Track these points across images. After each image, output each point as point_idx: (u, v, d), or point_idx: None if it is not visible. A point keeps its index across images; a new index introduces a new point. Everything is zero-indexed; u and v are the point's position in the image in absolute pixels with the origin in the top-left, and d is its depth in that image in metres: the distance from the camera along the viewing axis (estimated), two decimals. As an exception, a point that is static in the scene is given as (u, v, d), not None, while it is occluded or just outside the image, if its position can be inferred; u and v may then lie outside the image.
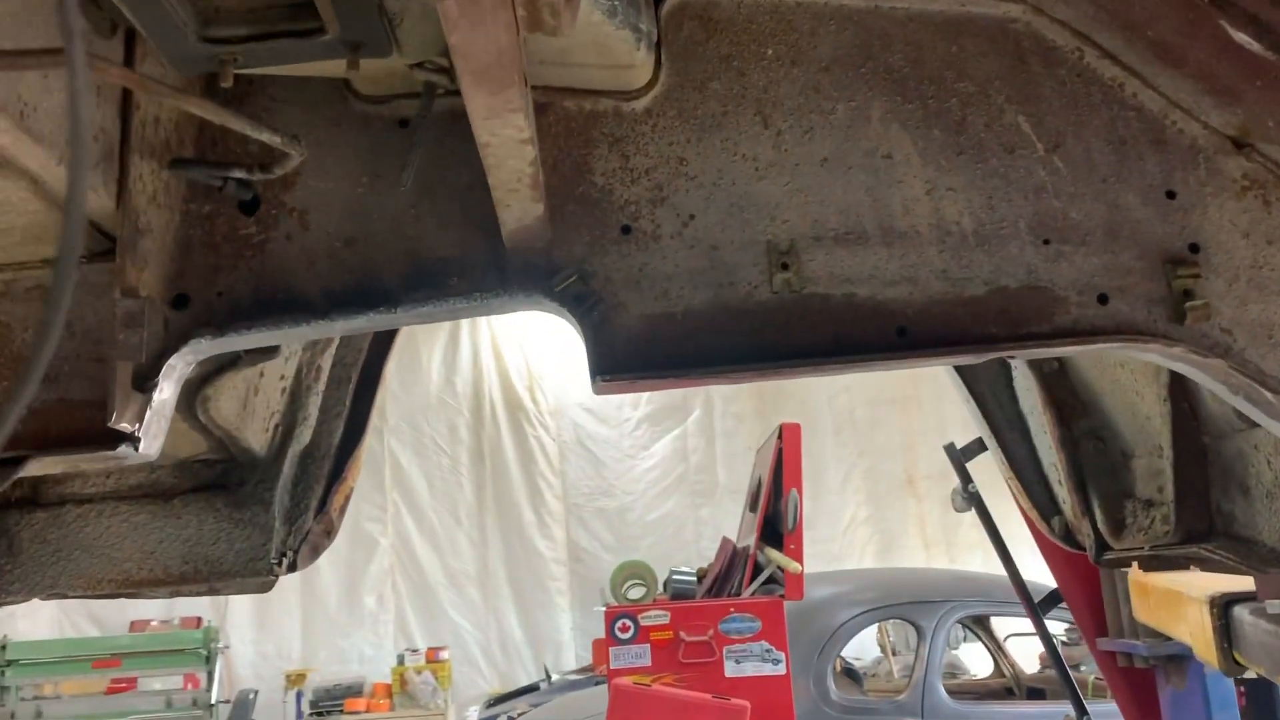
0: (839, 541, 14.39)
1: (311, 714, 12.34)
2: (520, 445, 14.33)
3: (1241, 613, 2.78)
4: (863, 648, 10.81)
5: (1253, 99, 1.66)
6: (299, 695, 12.41)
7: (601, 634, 6.70)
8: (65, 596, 2.52)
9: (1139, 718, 4.41)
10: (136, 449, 1.64)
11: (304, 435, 2.60)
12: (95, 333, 1.67)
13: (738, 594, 6.46)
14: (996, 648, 8.68)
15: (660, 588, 6.93)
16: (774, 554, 6.32)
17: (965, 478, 5.26)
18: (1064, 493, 2.98)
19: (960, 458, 5.19)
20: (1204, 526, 2.50)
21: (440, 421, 14.25)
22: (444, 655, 12.92)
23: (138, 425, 1.63)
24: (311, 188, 1.74)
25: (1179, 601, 3.25)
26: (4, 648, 11.09)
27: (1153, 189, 1.79)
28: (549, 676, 11.83)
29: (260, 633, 13.28)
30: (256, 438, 2.47)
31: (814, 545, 10.08)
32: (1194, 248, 1.77)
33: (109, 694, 11.28)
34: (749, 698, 5.81)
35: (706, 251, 1.78)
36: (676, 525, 14.29)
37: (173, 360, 1.67)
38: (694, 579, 6.99)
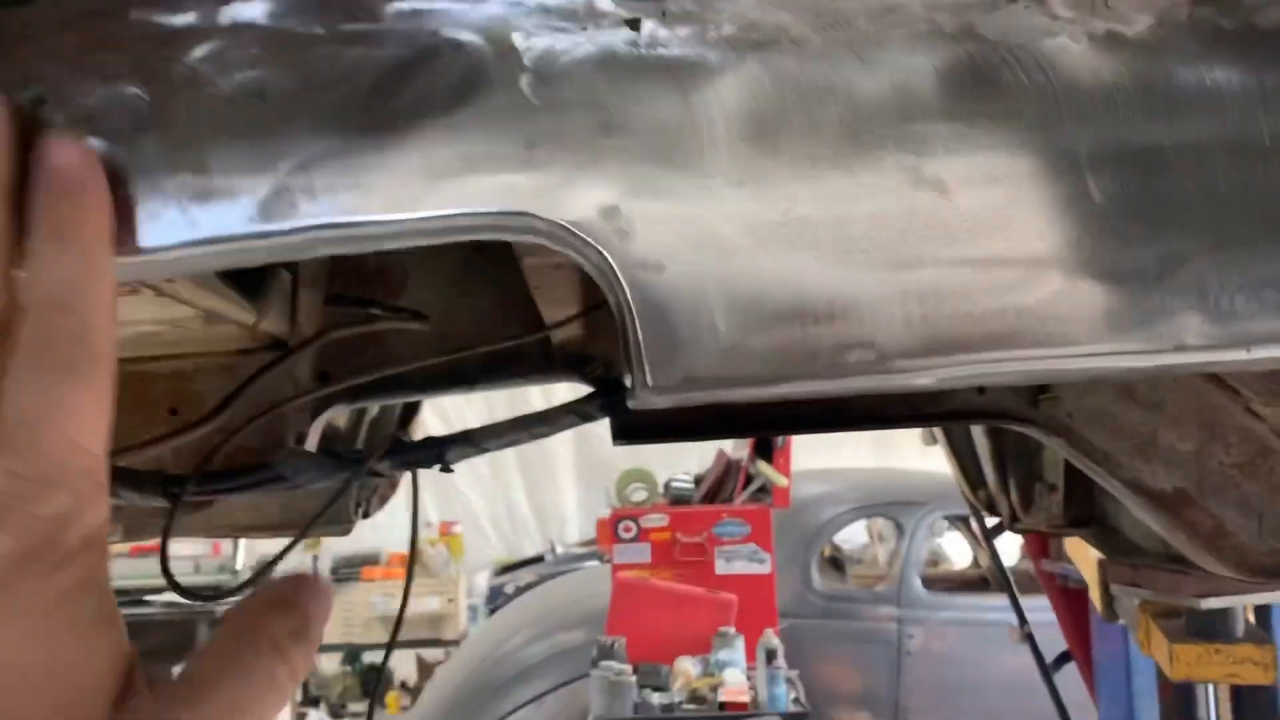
0: (837, 434, 14.58)
1: (332, 580, 12.86)
2: (531, 324, 14.55)
3: (1118, 573, 3.40)
4: (853, 534, 11.38)
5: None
6: (315, 560, 12.81)
7: (605, 512, 7.01)
8: (187, 535, 3.17)
9: (1073, 630, 5.01)
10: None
11: (373, 409, 3.22)
12: (262, 398, 2.30)
13: (730, 501, 6.76)
14: (974, 542, 9.06)
15: (661, 492, 7.28)
16: (764, 467, 6.63)
17: (931, 422, 5.83)
18: (989, 469, 3.60)
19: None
20: (1085, 515, 3.11)
21: (452, 299, 14.37)
22: (456, 529, 13.23)
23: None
24: (415, 295, 2.35)
25: (1085, 551, 3.90)
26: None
27: None
28: (553, 549, 12.19)
29: (280, 503, 13.62)
30: (341, 419, 3.11)
31: (812, 438, 10.56)
32: None
33: (133, 555, 11.57)
34: (736, 592, 6.24)
35: None
36: (681, 411, 14.61)
37: (316, 422, 2.31)
38: (691, 485, 7.28)
